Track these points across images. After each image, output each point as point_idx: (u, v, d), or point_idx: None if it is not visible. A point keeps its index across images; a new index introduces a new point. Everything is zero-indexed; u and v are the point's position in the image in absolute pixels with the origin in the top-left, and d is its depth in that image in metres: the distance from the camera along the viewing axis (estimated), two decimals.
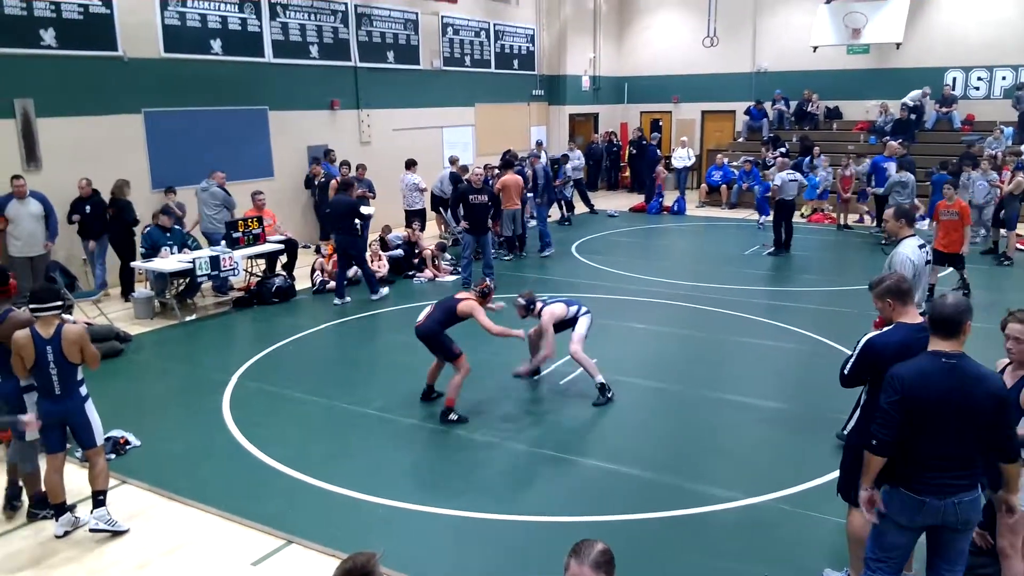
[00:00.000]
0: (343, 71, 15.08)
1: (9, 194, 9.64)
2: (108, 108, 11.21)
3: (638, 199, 19.39)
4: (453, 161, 14.51)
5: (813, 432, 6.20)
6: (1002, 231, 12.76)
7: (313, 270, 11.45)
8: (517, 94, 20.29)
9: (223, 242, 10.54)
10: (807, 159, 17.51)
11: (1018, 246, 12.56)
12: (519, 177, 13.11)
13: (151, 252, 10.05)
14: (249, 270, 11.27)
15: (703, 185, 19.73)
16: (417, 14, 16.64)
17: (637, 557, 4.52)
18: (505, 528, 5.00)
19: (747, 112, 21.03)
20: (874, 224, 15.25)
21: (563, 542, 2.60)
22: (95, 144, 11.00)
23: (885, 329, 3.91)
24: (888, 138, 17.10)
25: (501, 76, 19.57)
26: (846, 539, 4.13)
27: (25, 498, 5.22)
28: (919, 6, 18.60)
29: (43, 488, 5.08)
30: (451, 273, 12.04)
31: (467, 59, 18.36)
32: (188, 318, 9.87)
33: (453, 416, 6.51)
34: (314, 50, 14.40)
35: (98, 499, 4.92)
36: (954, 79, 18.89)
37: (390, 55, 16.08)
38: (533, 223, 14.30)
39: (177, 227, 10.57)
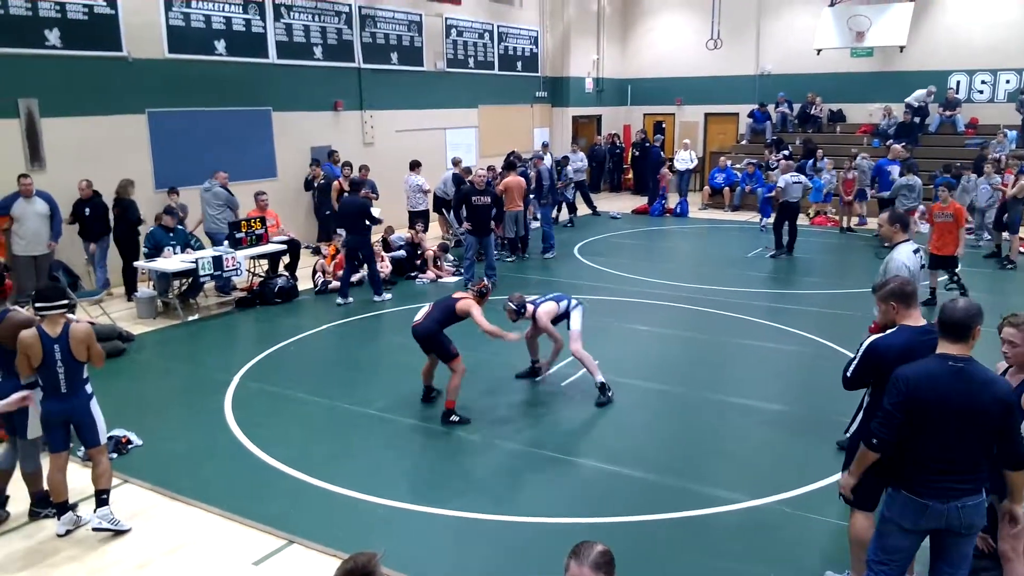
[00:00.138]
0: (347, 72, 15.11)
1: (15, 193, 9.68)
2: (112, 108, 11.24)
3: (641, 201, 19.39)
4: (456, 162, 14.52)
5: (815, 434, 6.19)
6: (1005, 235, 12.74)
7: (315, 271, 11.46)
8: (520, 96, 20.30)
9: (226, 242, 10.56)
10: (810, 162, 17.49)
11: (1021, 250, 12.53)
12: (522, 179, 13.11)
13: (154, 252, 10.07)
14: (252, 270, 11.29)
15: (706, 187, 19.72)
16: (421, 15, 16.67)
17: (637, 559, 4.51)
18: (505, 529, 5.00)
19: (750, 115, 21.02)
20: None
21: (563, 543, 2.60)
22: (99, 144, 11.03)
23: (888, 331, 3.91)
24: (891, 141, 17.09)
25: (504, 78, 19.59)
26: (848, 541, 4.12)
27: (11, 507, 5.19)
28: (923, 9, 18.58)
29: (44, 487, 5.09)
30: (453, 274, 12.05)
31: (471, 61, 18.38)
32: (191, 318, 9.89)
33: (455, 418, 6.51)
34: (318, 51, 14.42)
35: (101, 498, 4.92)
36: (958, 82, 18.86)
37: (394, 56, 16.10)
38: (536, 224, 14.30)
39: (180, 227, 10.59)
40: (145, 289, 10.32)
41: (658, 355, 8.46)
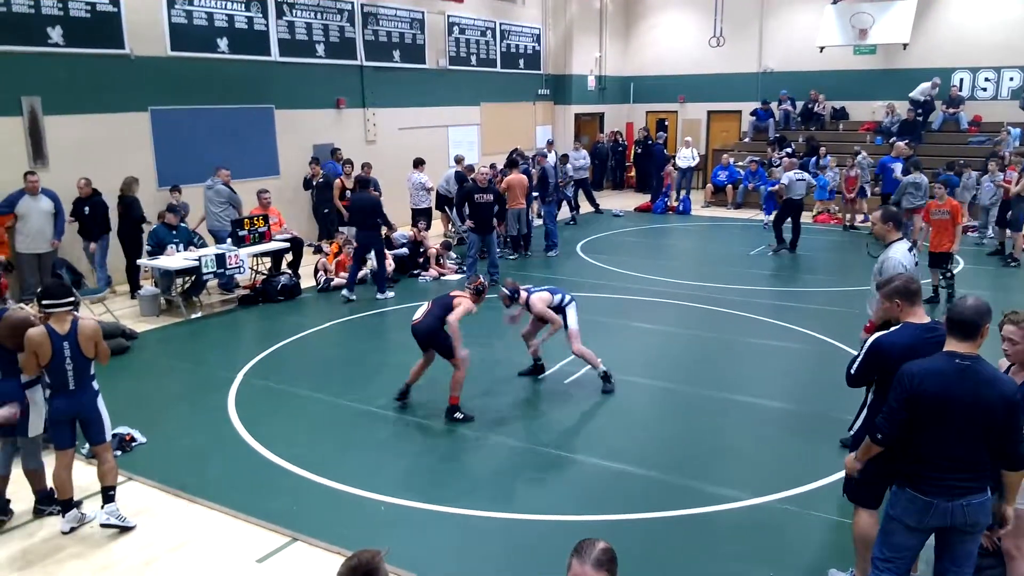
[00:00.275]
0: (349, 70, 15.10)
1: (21, 190, 9.68)
2: (115, 106, 11.24)
3: (643, 199, 19.37)
4: (458, 160, 14.52)
5: (818, 432, 6.19)
6: (1008, 232, 12.71)
7: (316, 270, 11.46)
8: (523, 93, 20.28)
9: (229, 240, 10.58)
10: (813, 160, 17.47)
11: None
12: (524, 176, 13.10)
13: (157, 250, 10.09)
14: (255, 268, 11.30)
15: (709, 185, 19.70)
16: (423, 13, 16.65)
17: (640, 556, 4.51)
18: (508, 526, 5.00)
19: (753, 112, 20.99)
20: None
21: (566, 541, 2.60)
22: (101, 142, 11.04)
23: (892, 329, 3.90)
24: (895, 139, 17.05)
25: (507, 75, 19.57)
26: (851, 539, 4.12)
27: (14, 505, 5.19)
28: (926, 7, 18.53)
29: (47, 484, 5.10)
30: (456, 272, 12.05)
31: (473, 58, 18.37)
32: (194, 316, 9.90)
33: (459, 415, 6.51)
34: (320, 49, 14.42)
35: (108, 494, 4.94)
36: (961, 80, 18.81)
37: (396, 54, 16.10)
38: (539, 222, 14.28)
39: (183, 225, 10.60)
40: (148, 287, 10.33)
41: (661, 353, 8.46)
